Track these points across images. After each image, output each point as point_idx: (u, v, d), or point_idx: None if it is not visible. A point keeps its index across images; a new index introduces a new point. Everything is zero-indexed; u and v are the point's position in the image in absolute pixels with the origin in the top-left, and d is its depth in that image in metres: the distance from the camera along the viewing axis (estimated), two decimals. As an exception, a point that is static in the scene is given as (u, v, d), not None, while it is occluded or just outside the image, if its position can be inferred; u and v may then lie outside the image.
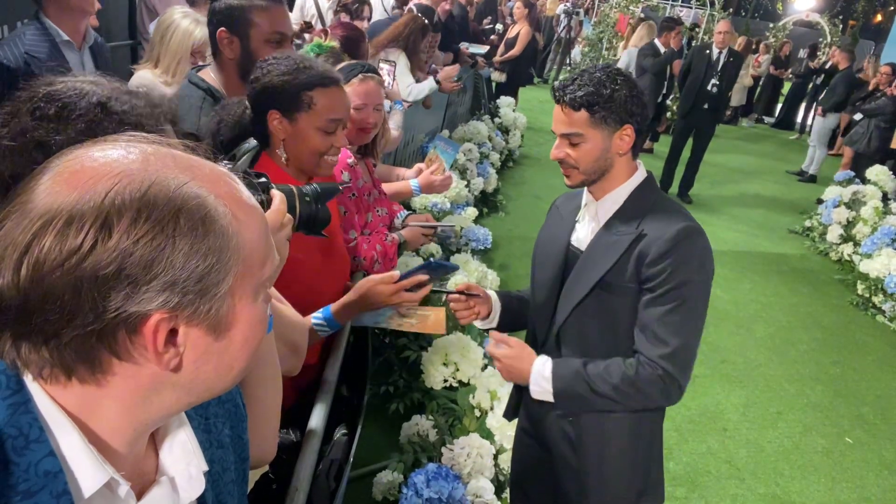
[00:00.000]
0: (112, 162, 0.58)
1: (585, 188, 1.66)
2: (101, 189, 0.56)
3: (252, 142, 1.68)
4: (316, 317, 1.60)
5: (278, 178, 1.61)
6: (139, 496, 0.67)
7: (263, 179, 1.07)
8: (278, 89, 1.56)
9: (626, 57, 7.66)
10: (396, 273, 1.66)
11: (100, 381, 0.60)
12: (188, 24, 2.73)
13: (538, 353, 1.80)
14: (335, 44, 2.72)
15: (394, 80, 3.73)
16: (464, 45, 6.61)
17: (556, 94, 1.55)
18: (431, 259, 1.55)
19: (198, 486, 0.72)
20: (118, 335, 0.58)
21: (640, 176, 1.63)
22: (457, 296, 1.78)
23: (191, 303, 0.59)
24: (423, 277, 1.65)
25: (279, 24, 1.87)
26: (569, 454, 1.73)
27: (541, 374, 1.62)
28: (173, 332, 0.60)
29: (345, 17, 3.89)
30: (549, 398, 1.61)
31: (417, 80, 4.34)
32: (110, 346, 0.58)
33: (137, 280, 0.56)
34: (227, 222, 0.60)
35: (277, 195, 1.07)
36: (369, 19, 4.69)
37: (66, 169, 0.58)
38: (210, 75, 1.95)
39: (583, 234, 1.67)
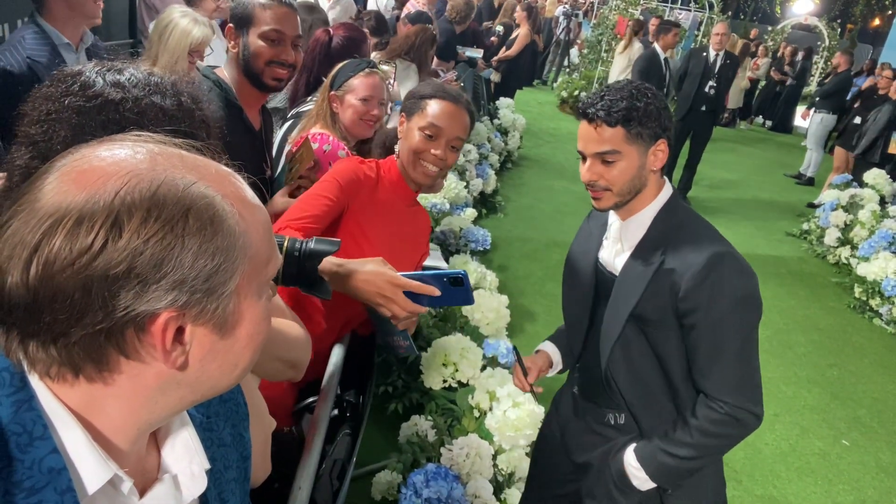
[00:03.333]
0: (120, 161, 0.59)
1: None
2: (110, 188, 0.56)
3: None
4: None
5: (397, 182, 1.80)
6: (142, 494, 0.67)
7: None
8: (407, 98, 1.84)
9: (623, 61, 7.68)
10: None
11: (106, 379, 0.61)
12: (187, 24, 2.73)
13: (575, 367, 1.84)
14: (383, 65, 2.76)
15: (395, 81, 3.74)
16: (460, 50, 6.64)
17: (588, 110, 1.46)
18: (462, 273, 1.38)
19: (200, 484, 0.73)
20: (126, 334, 0.58)
21: (666, 194, 1.55)
22: (522, 381, 1.77)
23: (198, 301, 0.59)
24: (433, 292, 1.39)
25: (279, 22, 1.87)
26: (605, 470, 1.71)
27: (631, 466, 1.61)
28: (180, 331, 0.60)
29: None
30: (652, 484, 1.60)
31: None
32: (118, 345, 0.58)
33: (147, 279, 0.56)
34: (234, 222, 0.61)
35: None
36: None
37: (74, 168, 0.58)
38: (223, 71, 1.98)
39: (607, 254, 1.63)
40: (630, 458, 1.61)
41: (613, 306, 1.56)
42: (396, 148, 1.84)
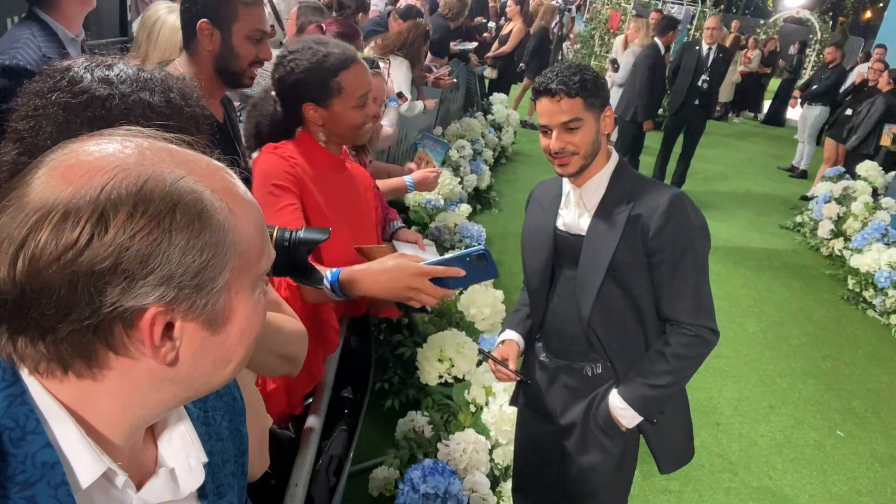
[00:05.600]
0: (108, 156, 0.59)
1: (564, 178, 1.77)
2: (97, 183, 0.56)
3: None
4: (325, 276, 1.45)
5: (319, 155, 1.73)
6: (139, 487, 0.67)
7: None
8: (308, 83, 1.66)
9: (631, 56, 7.57)
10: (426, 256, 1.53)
11: (96, 375, 0.60)
12: (175, 20, 2.66)
13: (535, 336, 1.93)
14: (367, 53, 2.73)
15: (388, 76, 3.73)
16: (453, 44, 6.63)
17: (550, 86, 1.63)
18: (484, 249, 1.40)
19: (198, 477, 0.73)
20: (114, 329, 0.58)
21: (615, 158, 1.75)
22: (507, 372, 1.85)
23: (187, 297, 0.59)
24: (459, 272, 1.39)
25: (261, 22, 1.86)
26: (583, 423, 1.83)
27: (618, 407, 1.74)
28: (170, 326, 0.60)
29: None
30: (639, 419, 1.74)
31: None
32: (106, 341, 0.58)
33: (134, 275, 0.56)
34: (223, 217, 0.61)
35: None
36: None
37: (62, 163, 0.58)
38: (178, 68, 1.87)
39: (570, 219, 1.77)
40: (616, 401, 1.75)
41: (589, 261, 1.70)
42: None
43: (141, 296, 0.56)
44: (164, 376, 0.63)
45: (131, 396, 0.63)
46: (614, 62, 7.44)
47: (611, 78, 7.45)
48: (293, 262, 1.26)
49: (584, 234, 1.72)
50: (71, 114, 0.88)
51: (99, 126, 0.85)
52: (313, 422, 1.36)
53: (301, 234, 1.26)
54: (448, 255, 1.42)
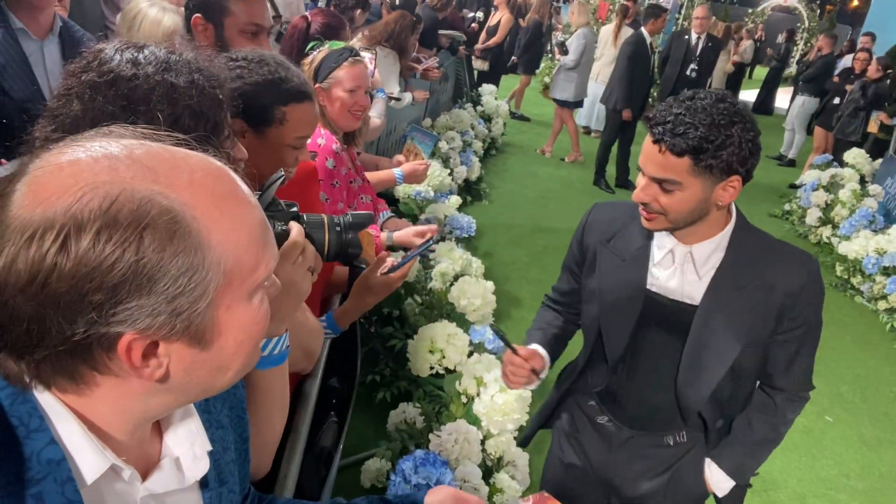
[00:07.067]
0: (77, 173, 0.55)
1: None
2: (61, 206, 0.53)
3: (280, 172, 1.60)
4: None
5: None
6: (145, 477, 0.67)
7: (294, 209, 1.06)
8: (249, 98, 1.39)
9: (580, 38, 7.38)
10: (387, 260, 1.59)
11: (83, 391, 0.60)
12: (156, 13, 2.64)
13: (604, 395, 1.68)
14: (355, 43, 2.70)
15: (374, 68, 3.71)
16: (442, 33, 6.61)
17: (656, 129, 1.29)
18: (429, 240, 1.80)
19: (202, 466, 0.73)
20: (94, 353, 0.56)
21: (734, 218, 1.45)
22: (517, 358, 1.57)
23: (164, 323, 0.56)
24: (415, 262, 1.74)
25: (256, 15, 1.83)
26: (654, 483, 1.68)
27: (718, 480, 1.60)
28: (155, 345, 0.58)
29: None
30: (732, 484, 1.62)
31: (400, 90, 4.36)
32: (87, 362, 0.57)
33: (102, 305, 0.53)
34: (203, 237, 0.57)
35: (295, 227, 1.03)
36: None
37: (36, 178, 0.55)
38: None
39: (672, 283, 1.46)
40: (716, 475, 1.60)
41: (708, 339, 1.44)
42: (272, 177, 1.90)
43: (113, 324, 0.54)
44: (158, 388, 0.61)
45: (127, 404, 0.62)
46: (562, 45, 7.29)
47: (559, 61, 7.33)
48: (344, 245, 1.25)
49: (692, 302, 1.44)
50: (97, 92, 0.91)
51: (121, 104, 0.91)
52: (303, 413, 1.36)
53: (350, 218, 1.26)
54: (410, 253, 1.64)
